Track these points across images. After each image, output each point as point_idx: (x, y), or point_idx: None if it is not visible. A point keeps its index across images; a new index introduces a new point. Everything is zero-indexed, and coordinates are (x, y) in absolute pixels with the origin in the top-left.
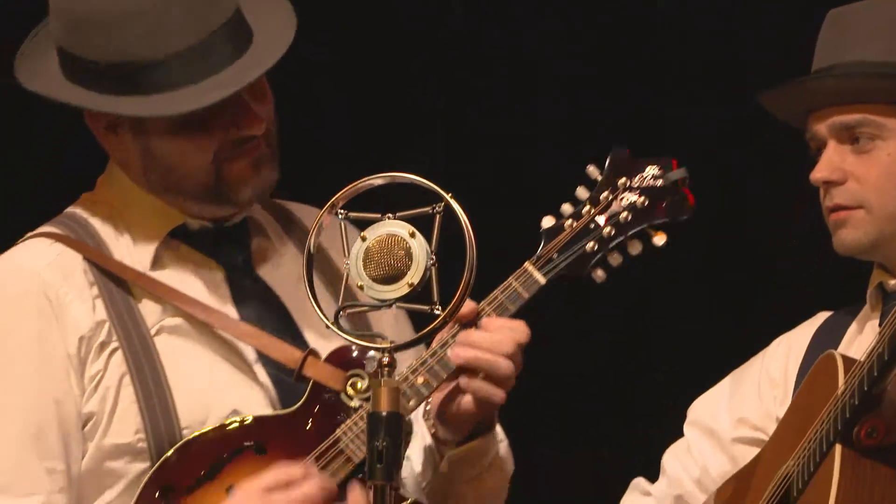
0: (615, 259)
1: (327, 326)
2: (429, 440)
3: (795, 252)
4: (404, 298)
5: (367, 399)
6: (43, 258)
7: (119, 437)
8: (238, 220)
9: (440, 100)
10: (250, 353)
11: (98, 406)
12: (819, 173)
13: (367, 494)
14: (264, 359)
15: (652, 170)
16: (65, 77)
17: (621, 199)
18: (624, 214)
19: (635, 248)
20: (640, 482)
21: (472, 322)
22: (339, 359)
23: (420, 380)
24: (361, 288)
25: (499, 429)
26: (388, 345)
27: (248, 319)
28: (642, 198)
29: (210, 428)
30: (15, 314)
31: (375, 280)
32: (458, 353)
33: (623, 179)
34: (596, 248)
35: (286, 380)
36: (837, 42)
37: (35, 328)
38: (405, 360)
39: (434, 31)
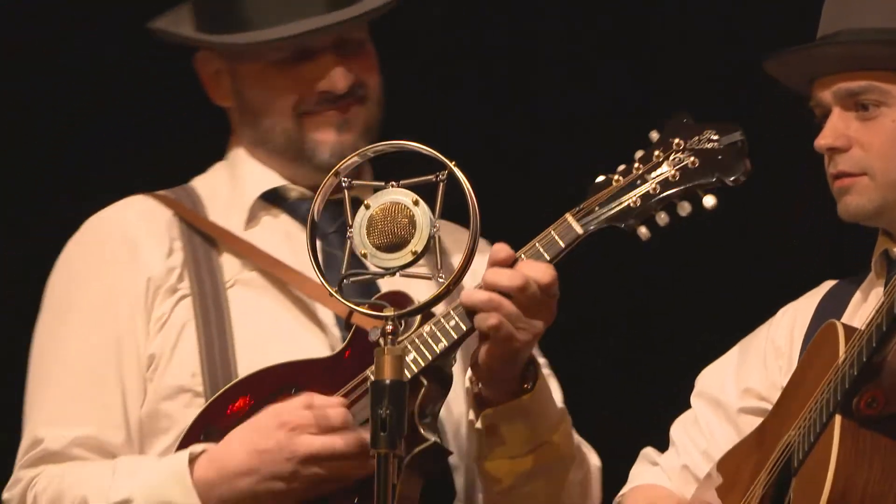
0: (662, 218)
1: (330, 294)
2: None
3: (802, 221)
4: (408, 266)
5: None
6: (132, 208)
7: (176, 378)
8: (340, 196)
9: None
10: (328, 317)
11: (160, 348)
12: (823, 140)
13: None
14: (340, 321)
15: (710, 133)
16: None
17: (673, 158)
18: (672, 173)
19: (684, 209)
20: (648, 452)
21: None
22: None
23: (451, 322)
24: (365, 256)
25: (561, 414)
26: (392, 313)
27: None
28: (693, 158)
29: (255, 371)
30: (91, 254)
31: (379, 248)
32: (470, 293)
33: (678, 140)
34: (639, 203)
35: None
36: (842, 9)
37: (107, 268)
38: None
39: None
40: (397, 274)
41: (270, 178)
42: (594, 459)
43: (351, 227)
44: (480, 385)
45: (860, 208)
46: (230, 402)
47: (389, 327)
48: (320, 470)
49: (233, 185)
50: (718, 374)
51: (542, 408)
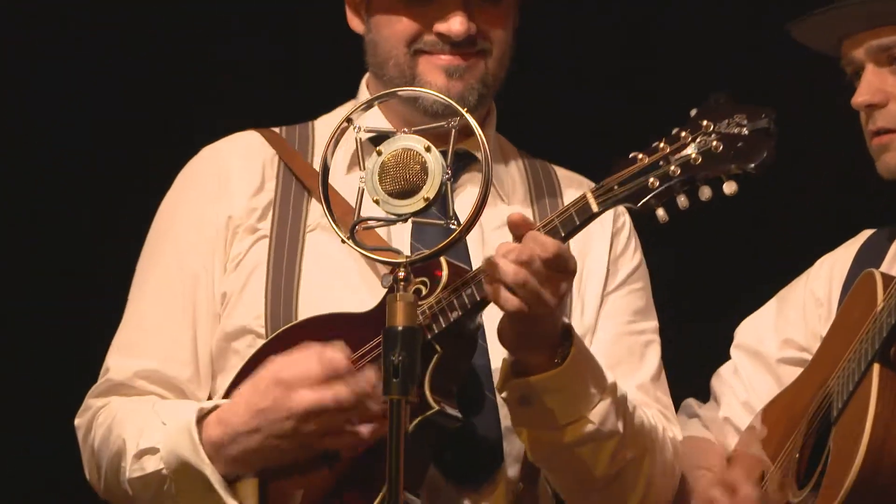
0: (682, 202)
1: (343, 241)
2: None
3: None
4: (420, 213)
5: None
6: (235, 143)
7: (242, 318)
8: (452, 147)
9: None
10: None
11: (231, 287)
12: (861, 97)
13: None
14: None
15: (739, 117)
16: None
17: (699, 141)
18: (695, 156)
19: (704, 194)
20: (689, 403)
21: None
22: (417, 266)
23: (467, 291)
24: (377, 202)
25: (601, 388)
26: (404, 259)
27: (419, 240)
28: (718, 142)
29: (302, 319)
30: (186, 187)
31: (391, 194)
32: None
33: (706, 122)
34: (657, 184)
35: None
36: None
37: (196, 203)
38: None
39: None
40: (409, 219)
41: (379, 122)
42: (672, 432)
43: (363, 172)
44: (508, 353)
45: None
46: (273, 350)
47: (402, 274)
48: (318, 425)
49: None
50: (757, 326)
51: (574, 383)
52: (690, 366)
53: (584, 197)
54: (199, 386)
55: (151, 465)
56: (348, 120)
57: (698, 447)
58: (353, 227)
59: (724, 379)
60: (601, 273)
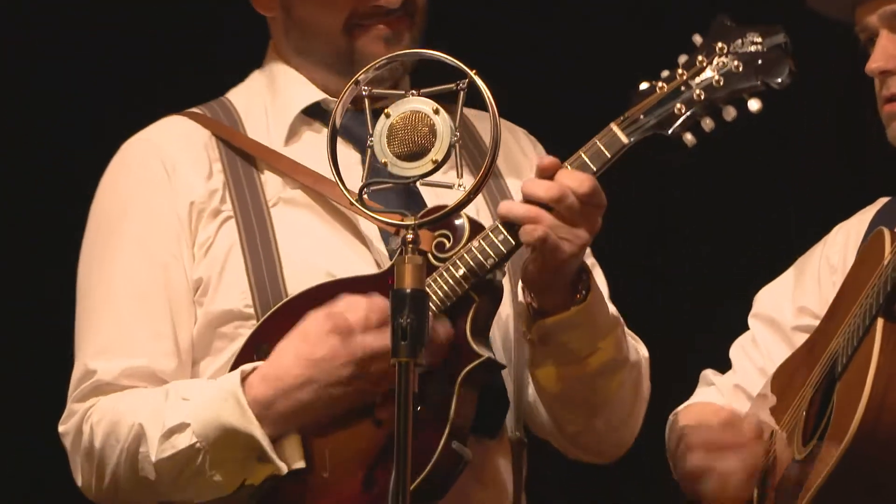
0: (708, 124)
1: (351, 203)
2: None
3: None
4: (428, 175)
5: (447, 259)
6: (168, 130)
7: (226, 301)
8: (380, 105)
9: None
10: (373, 232)
11: (207, 272)
12: (875, 63)
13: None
14: (384, 234)
15: (752, 35)
16: None
17: (717, 63)
18: (717, 78)
19: (729, 114)
20: (707, 374)
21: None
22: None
23: (500, 237)
24: (385, 165)
25: (614, 320)
26: (412, 221)
27: (375, 199)
28: (737, 62)
29: (305, 289)
30: (132, 178)
31: (399, 157)
32: (508, 206)
33: (721, 44)
34: (684, 109)
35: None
36: None
37: (148, 194)
38: None
39: None
40: (418, 183)
41: (311, 92)
42: (643, 351)
43: (371, 136)
44: (532, 296)
45: None
46: (282, 321)
47: (410, 236)
48: (379, 368)
49: (272, 98)
50: (775, 294)
51: (594, 317)
52: (713, 338)
53: (609, 130)
54: (183, 375)
55: (183, 441)
56: (356, 82)
57: (706, 410)
58: (362, 190)
59: (742, 347)
60: None
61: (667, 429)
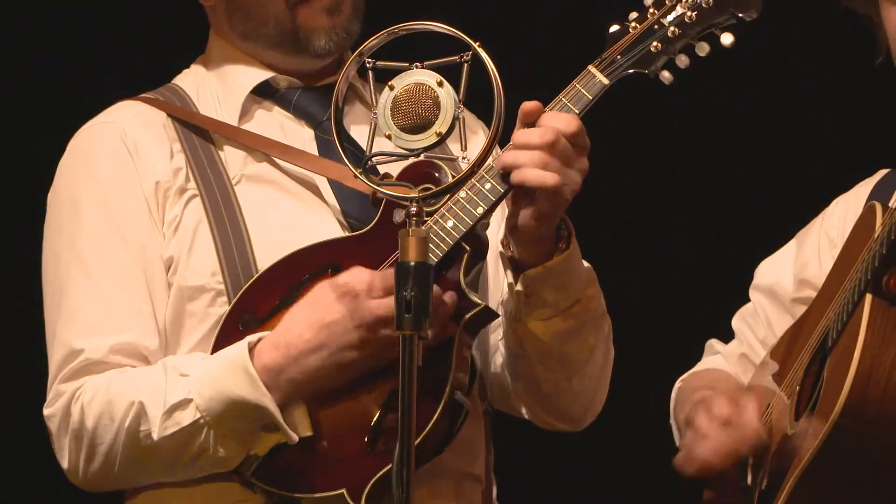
0: (682, 61)
1: (355, 176)
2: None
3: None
4: (432, 147)
5: (434, 212)
6: (125, 113)
7: (196, 278)
8: (330, 81)
9: None
10: (332, 193)
11: (177, 251)
12: None
13: None
14: (346, 195)
15: None
16: None
17: (686, 1)
18: (689, 14)
19: (703, 50)
20: (712, 343)
21: (532, 124)
22: (410, 176)
23: (487, 186)
24: (389, 137)
25: (590, 272)
26: (417, 194)
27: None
28: None
29: (284, 256)
30: (96, 162)
31: (403, 129)
32: (510, 154)
33: None
34: (660, 47)
35: (367, 214)
36: None
37: (115, 174)
38: None
39: None
40: (422, 155)
41: (259, 72)
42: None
43: (375, 107)
44: (514, 248)
45: None
46: (265, 289)
47: (413, 209)
48: (387, 334)
49: (220, 81)
50: (775, 266)
51: (576, 266)
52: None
53: (587, 72)
54: (164, 354)
55: (187, 416)
56: (360, 55)
57: (715, 377)
58: (366, 162)
59: (744, 318)
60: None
61: (672, 395)
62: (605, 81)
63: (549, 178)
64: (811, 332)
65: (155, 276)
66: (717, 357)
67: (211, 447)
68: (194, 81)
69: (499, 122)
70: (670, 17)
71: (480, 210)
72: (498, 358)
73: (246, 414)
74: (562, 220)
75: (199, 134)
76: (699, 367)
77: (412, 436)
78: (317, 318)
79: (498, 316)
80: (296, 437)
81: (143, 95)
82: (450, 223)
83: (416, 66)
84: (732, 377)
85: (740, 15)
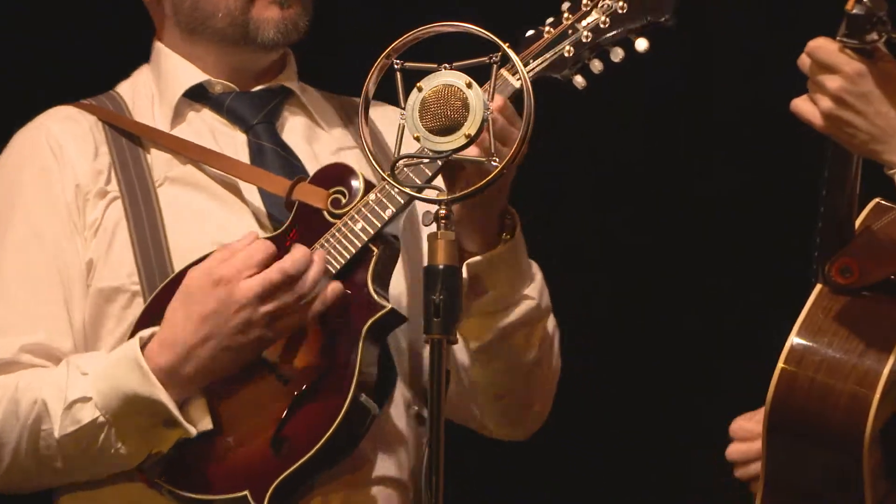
0: (596, 66)
1: (383, 178)
2: None
3: None
4: (461, 150)
5: (343, 214)
6: (53, 116)
7: (113, 279)
8: (266, 85)
9: None
10: (256, 199)
11: (96, 253)
12: None
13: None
14: (267, 200)
15: None
16: None
17: (601, 5)
18: (603, 20)
19: (617, 55)
20: None
21: None
22: (323, 178)
23: (396, 189)
24: (417, 139)
25: (535, 268)
26: (445, 197)
27: (257, 164)
28: (622, 3)
29: (199, 259)
30: (21, 163)
31: (432, 131)
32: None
33: None
34: (573, 52)
35: (286, 218)
36: None
37: (37, 181)
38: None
39: None
40: (450, 157)
41: (193, 74)
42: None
43: (403, 109)
44: (460, 239)
45: None
46: (172, 296)
47: (443, 211)
48: (271, 307)
49: (157, 84)
50: None
51: (520, 259)
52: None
53: (499, 76)
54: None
55: (87, 414)
56: (387, 56)
57: None
58: (394, 165)
59: None
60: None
61: None
62: (516, 85)
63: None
64: None
65: (72, 279)
66: None
67: (112, 445)
68: (133, 87)
69: (528, 123)
70: (584, 22)
71: (389, 212)
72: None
73: (143, 409)
74: (507, 210)
75: (127, 137)
76: None
77: (441, 443)
78: (195, 310)
79: (406, 320)
80: (194, 431)
81: (80, 101)
82: (359, 225)
83: (445, 68)
84: None
85: (654, 20)
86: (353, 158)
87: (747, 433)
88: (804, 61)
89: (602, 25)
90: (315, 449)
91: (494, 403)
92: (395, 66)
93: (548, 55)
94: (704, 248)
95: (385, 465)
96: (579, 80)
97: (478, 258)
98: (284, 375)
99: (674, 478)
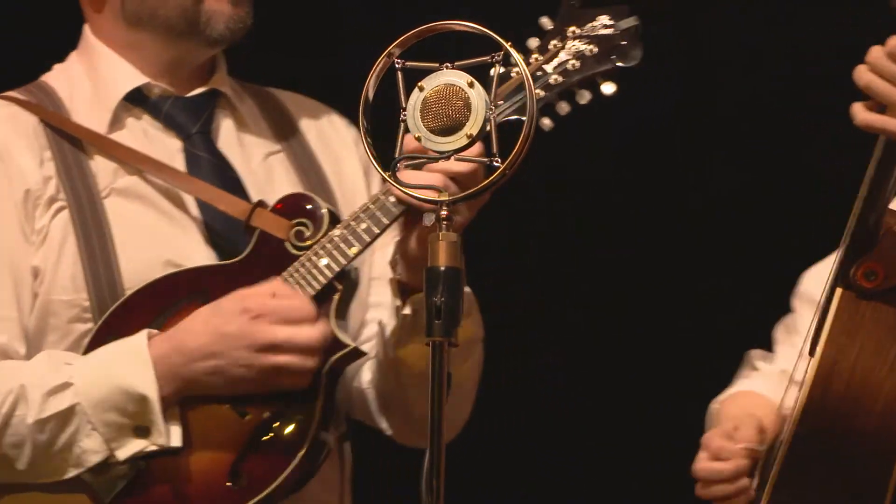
0: (563, 108)
1: (384, 179)
2: (391, 278)
3: None
4: (462, 150)
5: (307, 248)
6: None
7: (61, 293)
8: (201, 90)
9: None
10: (200, 213)
11: (43, 261)
12: None
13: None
14: (214, 215)
15: (603, 18)
16: None
17: (570, 47)
18: (571, 62)
19: (583, 98)
20: (753, 355)
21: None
22: (286, 208)
23: (362, 226)
24: (419, 139)
25: (472, 298)
26: (446, 198)
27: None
28: (591, 45)
29: (155, 279)
30: None
31: (433, 131)
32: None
33: (573, 28)
34: (542, 94)
35: (237, 235)
36: None
37: None
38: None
39: None
40: (452, 157)
41: (132, 76)
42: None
43: (405, 109)
44: (403, 272)
45: None
46: (134, 312)
47: (444, 212)
48: (278, 360)
49: (93, 84)
50: (820, 276)
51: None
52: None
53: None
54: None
55: (65, 401)
56: (389, 54)
57: (753, 403)
58: (394, 165)
59: (786, 329)
60: (360, 182)
61: (708, 416)
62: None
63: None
64: None
65: (23, 283)
66: (755, 375)
67: (77, 439)
68: (67, 82)
69: (531, 123)
70: (554, 64)
71: (354, 250)
72: (366, 374)
73: (124, 403)
74: None
75: (70, 142)
76: (738, 386)
77: (441, 446)
78: (216, 325)
79: (365, 354)
80: (162, 442)
81: (14, 95)
82: (323, 261)
83: (447, 67)
84: (767, 402)
85: (621, 64)
86: (280, 164)
87: (727, 452)
88: (862, 74)
89: (571, 68)
90: (273, 485)
91: (420, 420)
92: (397, 66)
93: (518, 98)
94: (703, 249)
95: (317, 489)
96: (547, 122)
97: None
98: (243, 407)
99: (674, 478)
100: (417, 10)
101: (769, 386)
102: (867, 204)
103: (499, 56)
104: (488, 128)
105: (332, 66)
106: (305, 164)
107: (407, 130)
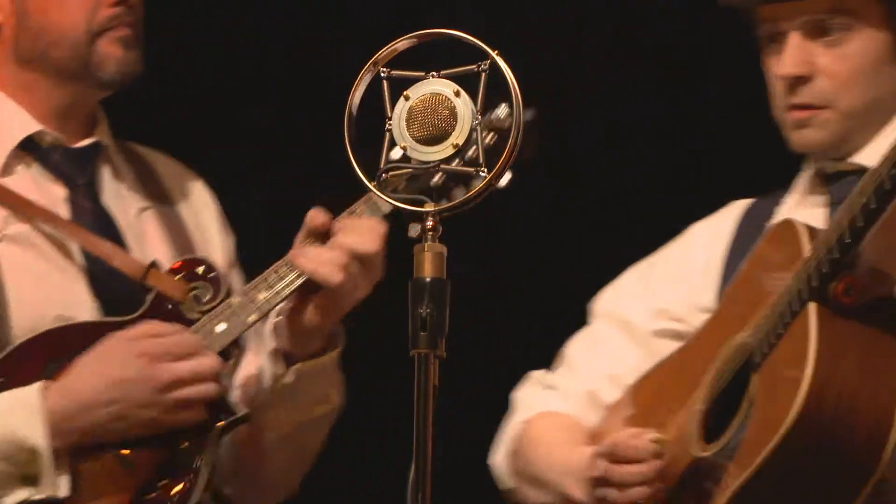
0: (458, 194)
1: (369, 189)
2: (274, 347)
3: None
4: (448, 160)
5: (206, 311)
6: None
7: None
8: (88, 142)
9: None
10: (85, 262)
11: None
12: (787, 69)
13: None
14: (100, 266)
15: (500, 110)
16: None
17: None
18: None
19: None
20: (539, 375)
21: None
22: (183, 271)
23: (261, 296)
24: (404, 149)
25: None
26: (432, 208)
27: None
28: (492, 133)
29: (47, 329)
30: None
31: (419, 140)
32: (297, 260)
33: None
34: (442, 180)
35: (125, 291)
36: None
37: None
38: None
39: None
40: (438, 167)
41: (26, 123)
42: None
43: (390, 118)
44: (287, 341)
45: (819, 141)
46: (23, 361)
47: (430, 223)
48: (183, 394)
49: None
50: (621, 297)
51: (337, 365)
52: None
53: (368, 197)
54: None
55: None
56: (374, 64)
57: (564, 424)
58: (380, 176)
59: (586, 348)
60: (223, 246)
61: (509, 435)
62: (385, 209)
63: (346, 282)
64: (704, 361)
65: None
66: (554, 395)
67: None
68: None
69: (517, 134)
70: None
71: (252, 319)
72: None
73: (15, 455)
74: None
75: None
76: (534, 407)
77: (428, 459)
78: (110, 372)
79: (249, 421)
80: (49, 492)
81: None
82: (220, 327)
83: (433, 76)
84: (581, 423)
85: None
86: (151, 220)
87: (642, 453)
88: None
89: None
90: None
91: (267, 481)
92: (382, 75)
93: (415, 186)
94: None
95: None
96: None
97: (306, 365)
98: (129, 460)
99: None
100: (408, 17)
101: (573, 407)
102: (862, 230)
103: (485, 65)
104: (475, 137)
105: (316, 74)
106: (172, 220)
107: (392, 139)
